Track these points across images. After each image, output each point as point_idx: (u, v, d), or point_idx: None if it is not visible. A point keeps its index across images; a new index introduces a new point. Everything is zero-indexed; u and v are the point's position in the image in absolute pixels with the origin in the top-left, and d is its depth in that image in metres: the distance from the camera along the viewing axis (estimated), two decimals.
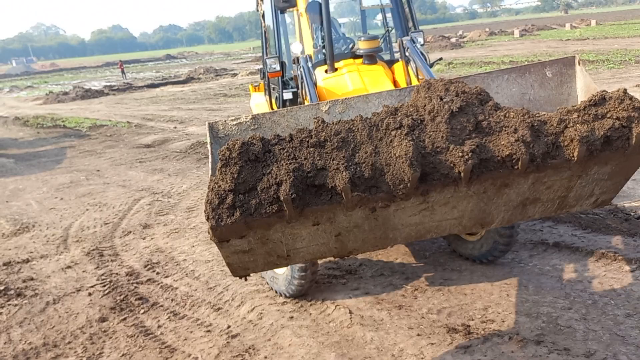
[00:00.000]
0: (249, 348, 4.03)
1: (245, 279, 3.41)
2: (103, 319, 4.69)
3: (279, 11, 5.51)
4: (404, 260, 5.24)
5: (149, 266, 5.76)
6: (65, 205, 8.47)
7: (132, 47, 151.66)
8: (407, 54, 4.67)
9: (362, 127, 2.69)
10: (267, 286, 4.96)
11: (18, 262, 6.25)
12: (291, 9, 5.45)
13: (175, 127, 15.60)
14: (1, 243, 7.00)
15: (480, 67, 22.66)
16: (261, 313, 4.49)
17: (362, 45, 4.98)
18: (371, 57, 4.88)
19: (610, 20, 51.03)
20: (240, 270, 3.18)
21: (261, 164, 2.61)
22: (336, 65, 4.88)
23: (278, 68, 5.19)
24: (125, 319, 4.66)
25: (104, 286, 5.35)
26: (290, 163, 2.59)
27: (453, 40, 43.23)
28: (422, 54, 4.60)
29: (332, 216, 2.83)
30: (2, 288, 5.49)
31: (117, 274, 5.64)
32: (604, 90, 2.79)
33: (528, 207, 3.20)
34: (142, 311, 4.77)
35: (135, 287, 5.28)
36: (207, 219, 2.56)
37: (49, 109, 23.54)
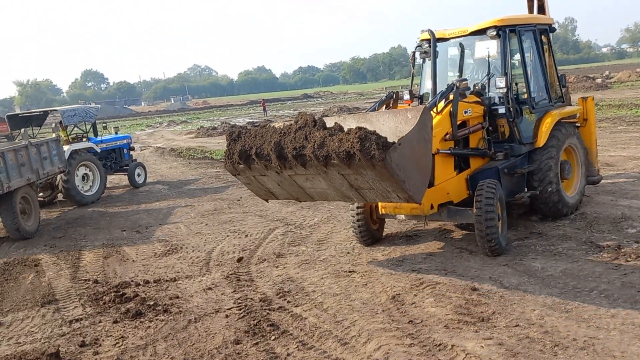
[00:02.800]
0: None
1: (267, 201, 6.93)
2: (237, 342, 4.94)
3: (422, 60, 8.02)
4: (542, 312, 4.88)
5: (281, 294, 5.99)
6: (209, 231, 9.17)
7: (274, 87, 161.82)
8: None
9: (271, 131, 5.61)
10: (394, 325, 4.91)
11: (166, 280, 6.85)
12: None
13: None
14: (154, 262, 7.75)
15: (630, 109, 20.72)
16: (387, 353, 4.43)
17: None
18: (462, 95, 6.90)
19: None
20: (257, 195, 6.58)
21: (236, 142, 5.90)
22: None
23: (408, 97, 8.02)
24: (257, 343, 4.88)
25: (240, 310, 5.67)
26: (242, 143, 5.82)
27: (598, 80, 40.09)
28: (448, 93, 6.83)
29: (264, 172, 5.80)
30: (152, 303, 6.05)
31: (251, 299, 5.95)
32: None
33: (362, 191, 5.32)
34: (273, 337, 4.96)
35: (268, 313, 5.51)
36: (224, 163, 6.21)
37: (199, 142, 25.85)
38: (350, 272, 6.50)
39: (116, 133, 16.13)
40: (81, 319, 5.84)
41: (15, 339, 5.52)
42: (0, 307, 6.46)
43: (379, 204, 7.17)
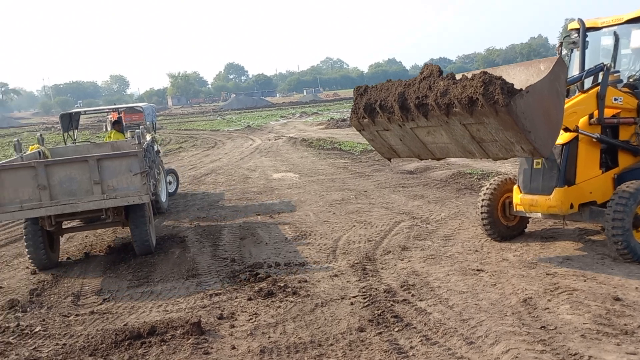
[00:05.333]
0: None
1: (390, 161, 7.22)
2: (361, 329, 5.06)
3: (569, 50, 7.76)
4: None
5: (405, 287, 6.00)
6: (336, 220, 9.42)
7: (404, 79, 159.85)
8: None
9: (396, 84, 5.64)
10: (525, 329, 4.70)
11: (296, 264, 7.19)
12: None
13: None
14: (284, 246, 8.17)
15: None
16: (517, 357, 4.26)
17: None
18: (613, 85, 6.58)
19: None
20: (380, 152, 6.71)
21: (362, 96, 6.06)
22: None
23: None
24: (381, 333, 4.95)
25: (364, 298, 5.78)
26: (368, 96, 5.96)
27: None
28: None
29: (387, 125, 5.87)
30: (282, 285, 6.39)
31: (376, 289, 6.04)
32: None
33: (484, 144, 5.11)
34: (396, 329, 5.00)
35: (392, 304, 5.56)
36: (350, 118, 6.42)
37: (329, 133, 26.50)
38: (478, 270, 6.31)
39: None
40: (220, 294, 6.35)
41: (163, 307, 6.16)
42: (152, 277, 7.24)
43: (514, 200, 6.89)
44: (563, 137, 6.36)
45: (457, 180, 12.04)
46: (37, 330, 5.69)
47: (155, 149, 10.64)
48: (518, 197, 6.81)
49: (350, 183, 12.95)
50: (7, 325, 5.85)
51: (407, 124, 5.56)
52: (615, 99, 6.48)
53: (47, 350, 5.20)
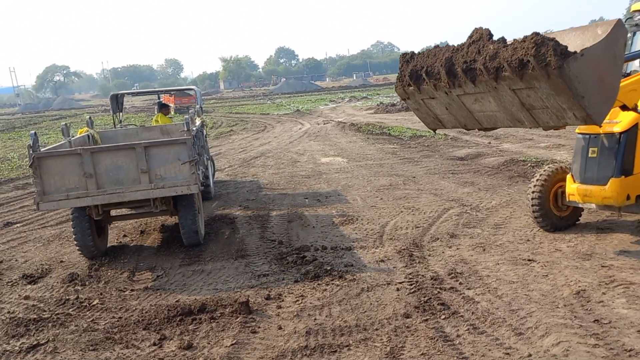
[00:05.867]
0: None
1: (435, 132, 6.86)
2: (407, 315, 5.05)
3: (632, 33, 7.41)
4: None
5: (453, 275, 5.94)
6: (384, 205, 9.38)
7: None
8: None
9: (444, 49, 5.38)
10: (577, 322, 4.57)
11: (342, 249, 7.23)
12: None
13: (489, 143, 15.55)
14: (331, 229, 8.21)
15: None
16: (567, 350, 4.15)
17: None
18: None
19: None
20: (425, 123, 6.49)
21: (409, 63, 5.85)
22: None
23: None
24: (427, 320, 4.93)
25: (411, 285, 5.76)
26: (414, 63, 5.75)
27: None
28: None
29: (433, 93, 5.64)
30: (328, 268, 6.45)
31: (422, 275, 6.00)
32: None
33: (534, 112, 4.82)
34: (443, 317, 4.96)
35: (439, 292, 5.51)
36: (394, 86, 6.23)
37: (378, 118, 26.28)
38: (529, 260, 6.16)
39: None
40: (267, 275, 6.47)
41: (213, 285, 6.34)
42: (203, 256, 7.45)
43: (567, 190, 6.66)
44: (621, 125, 6.08)
45: (509, 168, 11.73)
46: (95, 303, 5.99)
47: (204, 133, 10.52)
48: (571, 186, 6.58)
49: (399, 168, 12.84)
50: (67, 297, 6.18)
51: (453, 90, 5.34)
52: None
53: (104, 323, 5.46)
